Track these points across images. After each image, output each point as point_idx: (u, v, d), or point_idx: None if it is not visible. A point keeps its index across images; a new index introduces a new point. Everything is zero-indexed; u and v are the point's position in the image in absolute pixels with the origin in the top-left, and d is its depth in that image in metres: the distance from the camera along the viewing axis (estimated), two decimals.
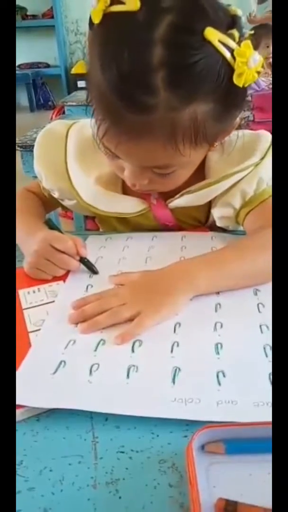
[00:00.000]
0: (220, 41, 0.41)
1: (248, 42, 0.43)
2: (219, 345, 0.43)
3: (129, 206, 0.66)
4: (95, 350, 0.43)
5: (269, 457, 0.30)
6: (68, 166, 0.64)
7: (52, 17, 4.41)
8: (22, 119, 3.74)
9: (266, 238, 0.48)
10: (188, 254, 0.59)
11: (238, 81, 0.43)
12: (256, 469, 0.31)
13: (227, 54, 0.42)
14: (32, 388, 0.39)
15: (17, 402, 0.36)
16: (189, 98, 0.42)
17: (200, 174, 0.62)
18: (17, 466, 0.33)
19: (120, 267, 0.57)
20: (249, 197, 0.61)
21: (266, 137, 0.62)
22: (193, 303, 0.49)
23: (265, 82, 1.35)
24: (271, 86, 1.35)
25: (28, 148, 1.29)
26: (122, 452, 0.33)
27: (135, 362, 0.41)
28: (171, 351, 0.43)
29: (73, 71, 4.44)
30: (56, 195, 0.68)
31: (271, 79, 1.48)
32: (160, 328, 0.46)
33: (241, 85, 0.44)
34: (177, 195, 0.64)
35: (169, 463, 0.32)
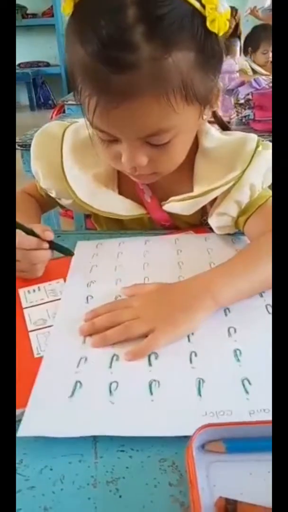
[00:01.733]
0: None
1: None
2: (237, 352, 0.42)
3: (125, 208, 0.66)
4: (110, 366, 0.41)
5: (269, 456, 0.30)
6: (64, 165, 0.65)
7: (52, 16, 4.41)
8: (23, 118, 3.74)
9: (269, 243, 0.47)
10: (185, 257, 0.59)
11: (212, 26, 0.45)
12: (256, 467, 0.31)
13: (197, 4, 0.44)
14: (50, 415, 0.36)
15: (38, 433, 0.34)
16: (168, 46, 0.43)
17: (189, 181, 0.63)
18: (17, 465, 0.33)
19: (118, 275, 0.55)
20: (245, 205, 0.61)
21: (251, 142, 0.61)
22: None
23: (266, 80, 1.35)
24: (271, 84, 1.35)
25: (29, 147, 1.28)
26: (123, 451, 0.33)
27: (155, 376, 0.39)
28: (190, 361, 0.41)
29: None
30: (53, 194, 0.69)
31: (271, 77, 1.48)
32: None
33: (216, 31, 0.45)
34: (167, 201, 0.65)
35: (169, 462, 0.32)
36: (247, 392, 0.37)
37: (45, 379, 0.40)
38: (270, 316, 0.46)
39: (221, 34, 0.46)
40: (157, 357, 0.42)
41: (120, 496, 0.30)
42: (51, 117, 2.44)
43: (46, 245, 0.55)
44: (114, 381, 0.39)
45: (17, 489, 0.31)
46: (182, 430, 0.33)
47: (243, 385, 0.38)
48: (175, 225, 0.69)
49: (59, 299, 0.52)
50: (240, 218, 0.62)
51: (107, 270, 0.57)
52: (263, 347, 0.42)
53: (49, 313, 0.49)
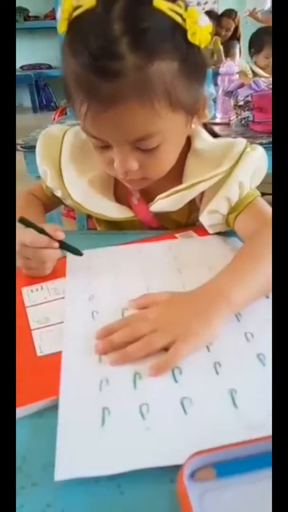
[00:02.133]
0: (169, 9, 0.47)
1: (193, 8, 0.49)
2: (261, 356, 0.41)
3: (116, 211, 0.69)
4: (135, 387, 0.38)
5: (261, 475, 0.30)
6: (61, 167, 0.68)
7: (54, 18, 4.42)
8: (25, 120, 3.76)
9: (268, 241, 0.48)
10: (183, 263, 0.58)
11: (193, 39, 0.48)
12: (250, 490, 0.30)
13: (178, 19, 0.48)
14: (85, 452, 0.33)
15: (77, 475, 0.31)
16: (151, 56, 0.46)
17: (178, 181, 0.65)
18: (20, 462, 0.33)
19: (119, 286, 0.54)
20: (235, 202, 0.63)
21: (239, 144, 0.63)
22: None
23: (265, 82, 1.35)
24: (270, 86, 1.35)
25: (32, 148, 1.30)
26: None
27: (184, 393, 0.37)
28: (217, 373, 0.39)
29: None
30: (58, 194, 0.71)
31: (271, 79, 1.48)
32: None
33: (197, 43, 0.49)
34: (154, 201, 0.67)
35: None
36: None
37: (69, 410, 0.36)
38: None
39: (203, 46, 0.50)
40: (181, 371, 0.40)
41: (121, 492, 0.31)
42: (54, 119, 2.45)
43: (56, 244, 0.56)
44: (144, 403, 0.37)
45: (20, 485, 0.32)
46: (222, 440, 0.32)
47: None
48: (162, 227, 0.71)
49: (62, 297, 0.52)
50: (230, 216, 0.64)
51: (106, 282, 0.55)
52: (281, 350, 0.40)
53: (52, 312, 0.50)
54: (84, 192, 0.68)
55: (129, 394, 0.38)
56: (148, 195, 0.68)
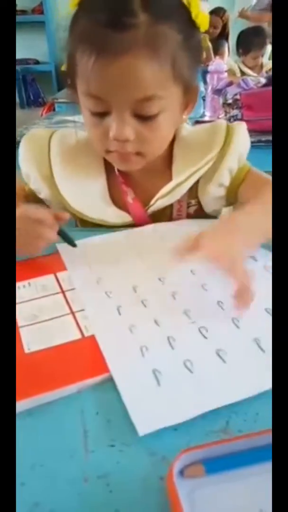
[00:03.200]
0: None
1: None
2: (235, 320, 0.45)
3: (114, 217, 0.69)
4: (173, 348, 0.42)
5: (251, 471, 0.31)
6: (53, 172, 0.67)
7: (42, 12, 4.37)
8: None
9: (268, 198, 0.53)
10: (170, 243, 0.58)
11: (196, 19, 0.55)
12: (239, 486, 0.30)
13: None
14: (155, 407, 0.36)
15: (158, 426, 0.34)
16: (161, 18, 0.51)
17: (167, 172, 0.68)
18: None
19: (123, 269, 0.56)
20: (235, 172, 0.68)
21: (221, 125, 0.69)
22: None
23: (254, 81, 1.36)
24: (259, 85, 1.35)
25: (18, 144, 1.29)
26: (113, 446, 0.34)
27: (218, 346, 0.42)
28: (237, 327, 0.44)
29: (64, 68, 4.40)
30: (42, 196, 0.71)
31: (259, 78, 1.48)
32: (211, 309, 0.47)
33: (198, 24, 0.55)
34: (152, 201, 0.68)
35: (160, 456, 0.33)
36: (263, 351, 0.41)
37: (125, 381, 0.39)
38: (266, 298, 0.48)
39: (202, 30, 0.56)
40: (207, 330, 0.44)
41: (110, 491, 0.31)
42: (41, 114, 2.43)
43: (57, 227, 0.56)
44: (187, 359, 0.40)
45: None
46: (256, 389, 0.37)
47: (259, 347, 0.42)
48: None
49: (51, 294, 0.52)
50: (232, 186, 0.69)
51: (106, 265, 0.57)
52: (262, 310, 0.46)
53: (41, 309, 0.49)
54: (83, 197, 0.68)
55: (169, 356, 0.41)
56: (142, 194, 0.69)
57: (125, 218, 0.69)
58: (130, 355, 0.42)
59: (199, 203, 0.72)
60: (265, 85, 1.37)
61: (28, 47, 4.68)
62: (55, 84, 4.52)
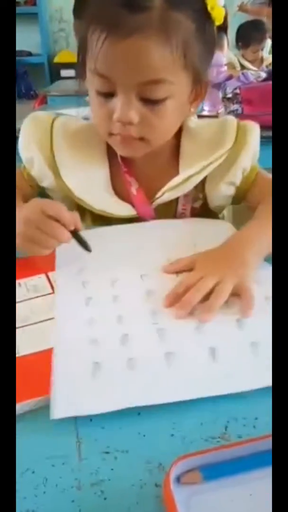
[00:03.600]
0: None
1: None
2: (239, 322, 0.45)
3: (118, 208, 0.66)
4: (123, 345, 0.42)
5: (248, 477, 0.30)
6: (56, 159, 0.65)
7: (35, 4, 4.30)
8: None
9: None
10: (170, 241, 0.60)
11: (211, 10, 0.55)
12: (237, 493, 0.30)
13: None
14: (76, 396, 0.37)
15: (70, 414, 0.35)
16: (178, 4, 0.51)
17: (174, 171, 0.66)
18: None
19: (108, 262, 0.55)
20: (247, 172, 0.67)
21: (232, 121, 0.67)
22: None
23: (254, 75, 1.35)
24: (259, 79, 1.34)
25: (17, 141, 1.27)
26: (107, 453, 0.33)
27: (168, 349, 0.41)
28: (198, 333, 0.43)
29: (56, 60, 4.35)
30: (44, 184, 0.68)
31: (260, 72, 1.47)
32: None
33: (213, 17, 0.55)
34: (159, 193, 0.66)
35: (156, 463, 0.32)
36: (256, 353, 0.40)
37: (62, 364, 0.40)
38: (261, 288, 0.48)
39: (216, 23, 0.56)
40: (164, 333, 0.44)
41: (105, 498, 0.30)
42: (33, 107, 2.40)
43: (72, 228, 0.54)
44: (131, 357, 0.40)
45: None
46: (205, 392, 0.36)
47: (252, 348, 0.41)
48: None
49: (42, 295, 0.50)
50: (242, 186, 0.68)
51: (95, 257, 0.56)
52: (260, 316, 0.45)
53: (32, 310, 0.48)
54: (85, 188, 0.65)
55: (118, 351, 0.41)
56: (146, 186, 0.67)
57: (129, 210, 0.66)
58: (79, 346, 0.42)
59: (205, 198, 0.71)
60: (265, 80, 1.36)
61: (20, 38, 4.61)
62: (47, 77, 4.47)
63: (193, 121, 0.68)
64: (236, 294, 0.47)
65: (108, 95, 0.54)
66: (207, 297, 0.46)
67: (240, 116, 1.36)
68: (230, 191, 0.68)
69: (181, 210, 0.70)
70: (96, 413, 0.35)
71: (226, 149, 0.64)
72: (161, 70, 0.52)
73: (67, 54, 4.28)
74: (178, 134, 0.66)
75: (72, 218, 0.53)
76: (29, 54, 4.64)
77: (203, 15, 0.54)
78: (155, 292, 0.50)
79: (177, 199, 0.69)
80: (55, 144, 0.65)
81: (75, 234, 0.54)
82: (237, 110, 1.34)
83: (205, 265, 0.50)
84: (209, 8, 0.54)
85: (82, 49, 0.55)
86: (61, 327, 0.45)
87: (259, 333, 0.43)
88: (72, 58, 4.32)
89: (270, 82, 1.34)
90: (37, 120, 0.67)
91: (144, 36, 0.49)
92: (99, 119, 0.58)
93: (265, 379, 0.37)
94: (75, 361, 0.40)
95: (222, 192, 0.68)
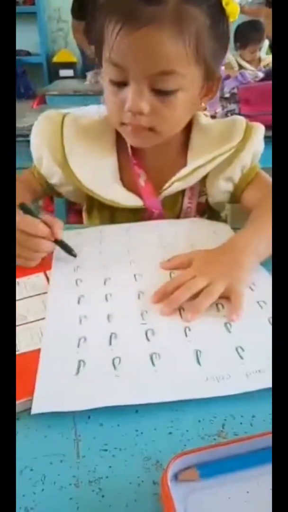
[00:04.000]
0: None
1: None
2: (228, 324, 0.44)
3: (126, 198, 0.68)
4: (110, 344, 0.42)
5: (245, 475, 0.30)
6: (66, 153, 0.67)
7: (34, 3, 4.30)
8: None
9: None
10: (167, 241, 0.61)
11: (226, 6, 0.55)
12: (234, 490, 0.30)
13: None
14: (59, 392, 0.37)
15: (50, 409, 0.35)
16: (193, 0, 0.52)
17: (183, 163, 0.68)
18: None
19: (104, 260, 0.57)
20: (246, 170, 0.68)
21: (241, 120, 0.69)
22: None
23: (251, 75, 1.35)
24: (257, 79, 1.34)
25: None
26: (105, 450, 0.33)
27: (155, 350, 0.41)
28: (186, 335, 0.43)
29: (55, 59, 4.34)
30: (53, 181, 0.70)
31: (257, 72, 1.47)
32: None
33: (228, 13, 0.55)
34: (167, 184, 0.67)
35: (153, 460, 0.32)
36: (241, 358, 0.40)
37: (48, 360, 0.40)
38: (254, 293, 0.49)
39: (231, 19, 0.56)
40: (154, 333, 0.44)
41: (103, 496, 0.30)
42: (32, 107, 2.39)
43: (53, 238, 0.55)
44: (117, 357, 0.40)
45: None
46: (188, 394, 0.36)
47: (238, 352, 0.40)
48: (162, 215, 0.71)
49: (39, 293, 0.50)
50: (240, 184, 0.69)
51: (91, 256, 0.57)
52: (249, 319, 0.45)
53: (29, 309, 0.48)
54: (94, 178, 0.67)
55: (104, 350, 0.42)
56: (154, 178, 0.68)
57: (137, 201, 0.68)
58: (66, 343, 0.42)
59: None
60: (263, 80, 1.36)
61: (19, 38, 4.60)
62: (46, 77, 4.46)
63: (204, 118, 0.69)
64: (226, 296, 0.47)
65: (121, 84, 0.56)
66: (196, 296, 0.46)
67: (238, 115, 1.37)
68: (228, 187, 0.69)
69: (187, 204, 0.71)
70: (75, 410, 0.35)
71: (233, 144, 0.66)
72: (173, 61, 0.53)
73: (66, 53, 4.28)
74: (188, 130, 0.67)
75: (49, 230, 0.54)
76: (28, 53, 4.64)
77: (218, 10, 0.55)
78: (147, 291, 0.50)
79: (183, 194, 0.70)
80: (65, 138, 0.67)
81: (58, 242, 0.56)
82: (234, 110, 1.34)
83: (199, 265, 0.51)
84: (223, 3, 0.55)
85: (99, 41, 0.57)
86: (50, 324, 0.45)
87: (246, 338, 0.42)
88: (71, 57, 4.35)
89: (268, 82, 1.35)
90: (47, 118, 0.70)
91: (158, 28, 0.51)
92: (112, 108, 0.59)
93: (249, 383, 0.37)
94: (61, 358, 0.41)
95: (220, 188, 0.69)
